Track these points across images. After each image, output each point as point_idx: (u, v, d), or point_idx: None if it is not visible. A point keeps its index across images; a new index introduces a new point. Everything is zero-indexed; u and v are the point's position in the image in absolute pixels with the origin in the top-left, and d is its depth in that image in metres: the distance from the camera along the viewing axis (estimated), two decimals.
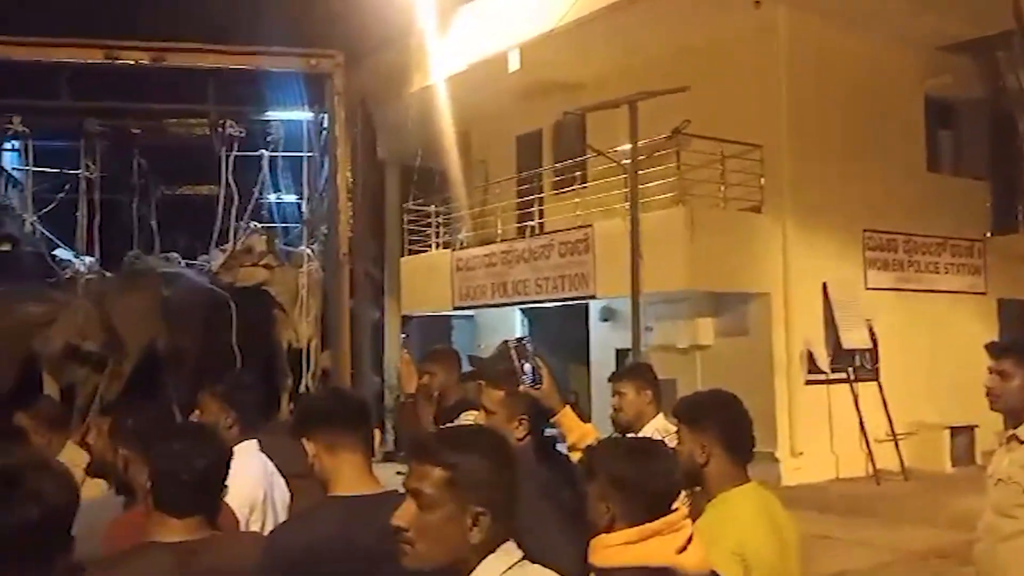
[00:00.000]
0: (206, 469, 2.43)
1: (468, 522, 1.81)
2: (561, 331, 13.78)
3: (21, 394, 7.56)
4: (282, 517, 3.47)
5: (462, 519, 1.81)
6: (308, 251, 8.10)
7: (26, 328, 7.57)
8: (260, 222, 9.60)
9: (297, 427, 2.61)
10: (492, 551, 1.82)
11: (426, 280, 14.55)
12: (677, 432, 2.87)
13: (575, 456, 3.10)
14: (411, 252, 15.10)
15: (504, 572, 1.81)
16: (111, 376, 7.50)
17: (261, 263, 8.36)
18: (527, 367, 3.08)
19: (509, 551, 1.85)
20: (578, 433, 3.13)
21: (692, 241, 10.70)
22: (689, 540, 2.34)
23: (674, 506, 2.38)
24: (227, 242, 8.57)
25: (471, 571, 1.81)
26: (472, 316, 15.08)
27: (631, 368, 4.59)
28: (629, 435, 4.10)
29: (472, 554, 1.82)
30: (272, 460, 3.63)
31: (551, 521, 2.90)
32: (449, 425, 4.04)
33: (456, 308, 14.45)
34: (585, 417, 3.64)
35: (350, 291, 7.25)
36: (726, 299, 11.83)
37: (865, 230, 12.39)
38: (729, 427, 2.80)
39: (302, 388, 7.84)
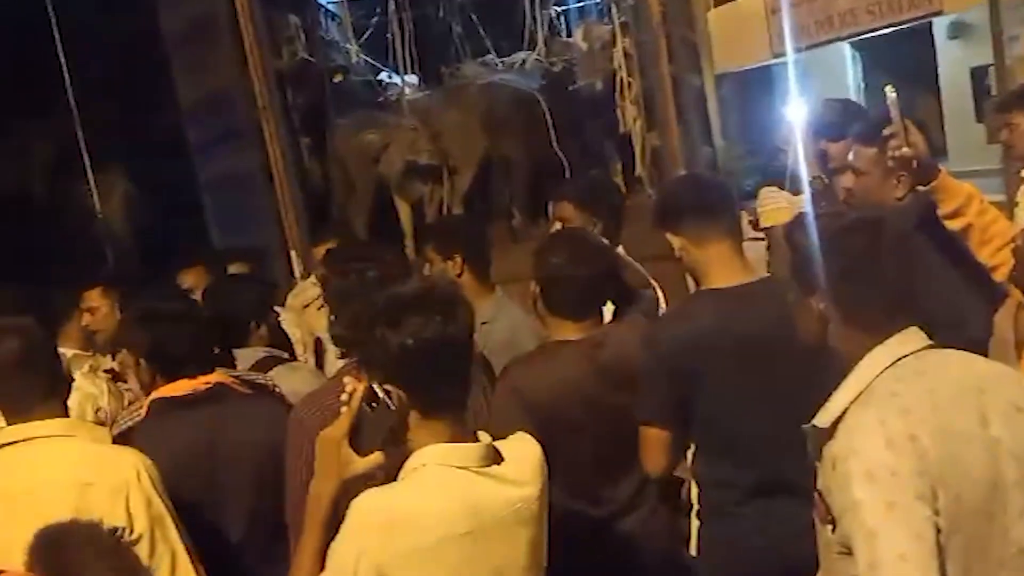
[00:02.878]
0: (592, 275, 2.56)
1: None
2: (901, 59, 12.28)
3: (379, 217, 8.28)
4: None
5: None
6: (619, 25, 7.74)
7: (370, 155, 8.13)
8: (560, 6, 9.35)
9: (659, 222, 2.49)
10: (880, 341, 1.64)
11: (739, 30, 13.39)
12: None
13: (954, 224, 2.67)
14: (718, 3, 13.98)
15: (890, 365, 1.62)
16: (451, 189, 7.89)
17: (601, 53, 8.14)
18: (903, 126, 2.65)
19: (906, 339, 1.65)
20: (961, 198, 2.67)
21: None
22: None
23: None
24: (537, 33, 8.47)
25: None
26: (796, 61, 13.89)
27: (1022, 92, 3.80)
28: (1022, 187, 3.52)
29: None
30: (625, 248, 3.60)
31: (958, 281, 2.59)
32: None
33: (776, 56, 13.35)
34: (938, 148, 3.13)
35: (668, 61, 6.86)
36: None
37: None
38: None
39: (636, 172, 7.76)
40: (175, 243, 7.58)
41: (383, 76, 9.30)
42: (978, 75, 11.08)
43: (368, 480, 1.72)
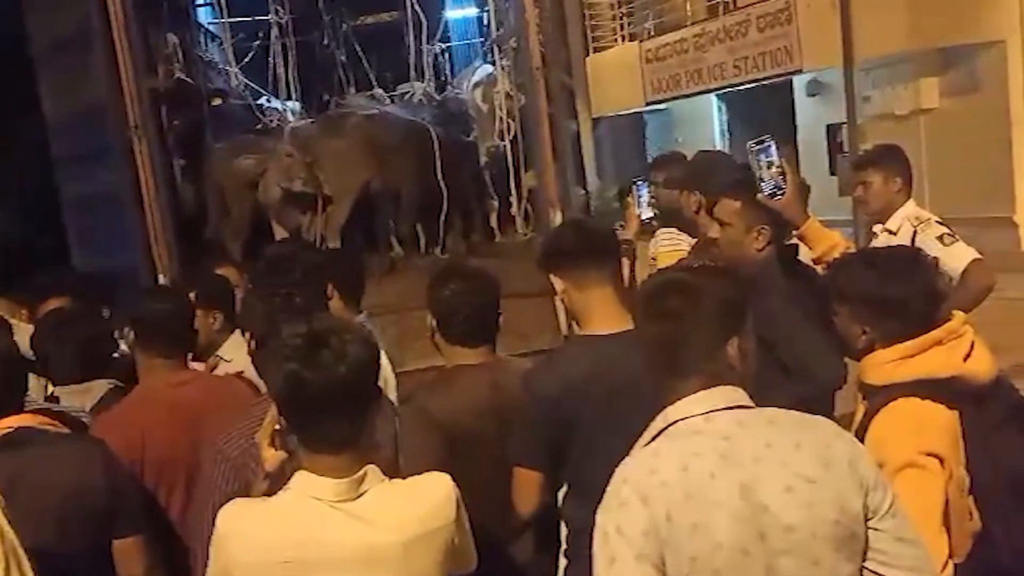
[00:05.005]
0: (484, 303, 2.63)
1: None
2: (762, 113, 13.01)
3: (256, 242, 8.13)
4: None
5: None
6: (501, 68, 7.91)
7: (247, 180, 7.98)
8: (444, 42, 9.47)
9: (544, 263, 2.58)
10: (692, 392, 1.66)
11: (614, 78, 13.94)
12: None
13: (821, 269, 2.90)
14: (596, 50, 14.46)
15: (673, 423, 1.66)
16: (328, 218, 7.82)
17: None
18: (767, 174, 2.85)
19: (704, 398, 1.66)
20: (825, 245, 2.90)
21: None
22: (972, 346, 2.16)
23: (948, 314, 2.19)
24: (415, 67, 8.53)
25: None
26: (665, 109, 14.49)
27: (878, 153, 4.03)
28: (874, 240, 3.82)
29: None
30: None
31: (807, 329, 2.77)
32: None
33: (649, 103, 13.89)
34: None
35: (547, 104, 7.07)
36: (952, 54, 10.60)
37: None
38: None
39: (511, 211, 7.90)
40: (33, 261, 7.22)
41: (263, 101, 9.16)
42: (832, 131, 11.85)
43: (275, 480, 1.86)
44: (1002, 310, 4.62)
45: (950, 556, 1.89)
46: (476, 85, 8.75)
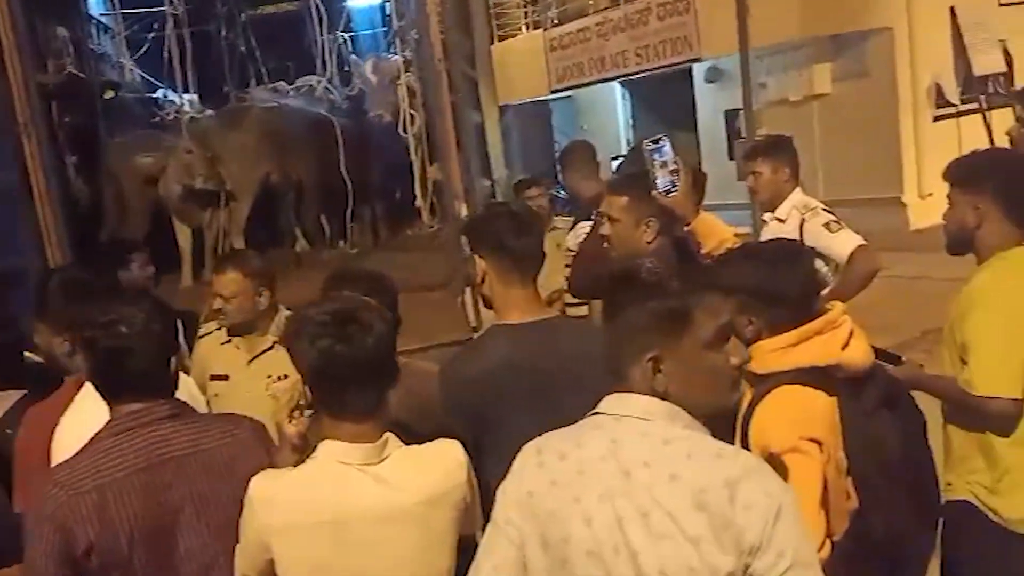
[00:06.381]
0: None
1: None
2: (664, 99, 13.26)
3: (156, 241, 7.93)
4: None
5: None
6: (403, 59, 7.87)
7: (146, 178, 7.77)
8: (345, 31, 9.37)
9: (470, 243, 2.58)
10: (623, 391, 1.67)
11: (519, 66, 14.02)
12: (950, 196, 2.65)
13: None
14: (500, 39, 14.49)
15: (611, 414, 1.69)
16: (230, 215, 7.67)
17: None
18: (661, 172, 2.92)
19: (641, 404, 1.63)
20: (716, 240, 2.96)
21: None
22: (851, 335, 2.27)
23: (826, 305, 2.29)
24: (320, 59, 8.42)
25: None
26: (570, 96, 14.63)
27: (766, 144, 4.12)
28: (764, 228, 3.94)
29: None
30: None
31: None
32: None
33: (553, 91, 13.99)
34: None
35: (450, 96, 7.05)
36: (843, 40, 11.00)
37: None
38: (1008, 186, 2.58)
39: (416, 203, 7.88)
40: None
41: (160, 94, 8.91)
42: (730, 117, 12.14)
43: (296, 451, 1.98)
44: (890, 288, 4.84)
45: (828, 535, 2.00)
46: (367, 59, 8.77)
